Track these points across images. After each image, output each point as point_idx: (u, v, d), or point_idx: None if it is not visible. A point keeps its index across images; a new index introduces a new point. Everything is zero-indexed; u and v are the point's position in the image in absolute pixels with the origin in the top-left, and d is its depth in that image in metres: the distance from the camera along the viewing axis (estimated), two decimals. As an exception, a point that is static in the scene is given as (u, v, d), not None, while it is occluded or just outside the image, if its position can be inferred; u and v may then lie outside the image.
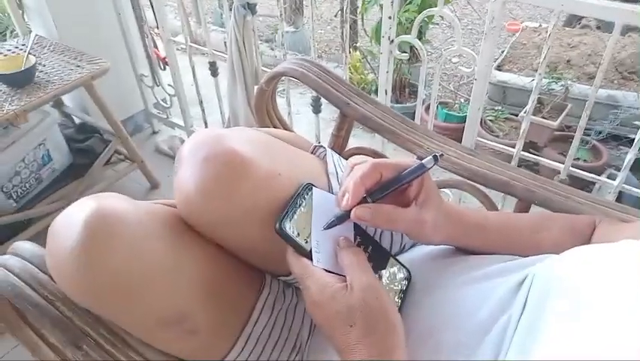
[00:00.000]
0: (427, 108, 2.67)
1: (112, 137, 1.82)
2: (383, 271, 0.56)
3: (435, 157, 0.52)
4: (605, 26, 3.03)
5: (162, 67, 2.02)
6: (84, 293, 0.51)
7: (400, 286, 0.56)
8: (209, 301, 0.57)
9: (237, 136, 0.57)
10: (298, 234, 0.52)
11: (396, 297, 0.55)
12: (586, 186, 2.19)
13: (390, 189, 0.53)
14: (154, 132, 2.28)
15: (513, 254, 0.58)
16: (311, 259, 0.51)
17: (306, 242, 0.52)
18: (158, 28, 1.79)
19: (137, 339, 0.56)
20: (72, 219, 0.51)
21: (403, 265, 0.58)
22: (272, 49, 3.34)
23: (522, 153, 1.31)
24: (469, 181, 0.85)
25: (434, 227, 0.55)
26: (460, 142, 1.40)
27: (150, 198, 1.94)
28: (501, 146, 1.52)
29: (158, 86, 2.06)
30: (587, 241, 0.62)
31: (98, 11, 1.87)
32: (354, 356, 0.45)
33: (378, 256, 0.56)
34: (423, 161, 0.52)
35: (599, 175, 2.28)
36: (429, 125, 1.49)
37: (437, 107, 2.66)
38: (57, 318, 0.54)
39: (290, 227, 0.51)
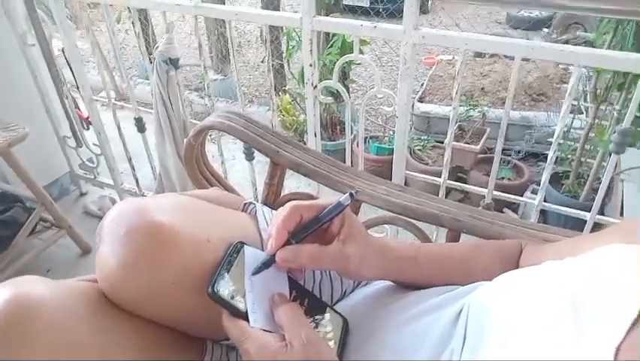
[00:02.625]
0: (358, 143, 2.76)
1: (35, 204, 1.72)
2: (321, 322, 0.55)
3: (351, 194, 0.54)
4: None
5: (86, 126, 1.95)
6: None
7: (338, 334, 0.56)
8: None
9: (160, 205, 0.56)
10: (232, 296, 0.51)
11: (337, 347, 0.55)
12: (512, 204, 2.32)
13: (311, 229, 0.54)
14: (82, 194, 2.18)
15: (448, 284, 0.60)
16: (248, 321, 0.50)
17: (242, 303, 0.51)
18: (77, 87, 1.75)
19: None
20: None
21: (339, 313, 0.58)
22: (202, 97, 3.34)
23: (449, 181, 1.37)
24: (401, 216, 0.88)
25: (361, 261, 0.56)
26: (391, 174, 1.45)
27: (82, 263, 1.84)
28: (429, 177, 1.59)
29: (81, 146, 1.99)
30: (515, 264, 0.64)
31: (13, 74, 1.80)
32: None
33: (315, 308, 0.56)
34: (340, 199, 0.54)
35: (523, 191, 2.44)
36: (359, 160, 1.53)
37: (368, 141, 2.75)
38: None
39: (223, 289, 0.50)
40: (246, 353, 0.48)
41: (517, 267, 0.63)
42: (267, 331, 0.49)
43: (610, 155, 1.09)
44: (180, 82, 1.58)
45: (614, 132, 1.03)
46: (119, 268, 0.51)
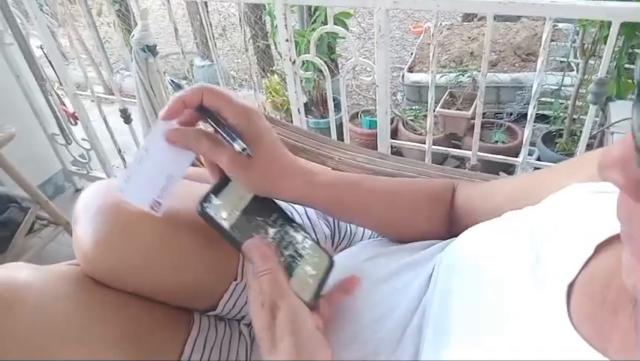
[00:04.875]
0: (352, 118, 2.75)
1: (31, 203, 1.74)
2: (305, 257, 0.54)
3: (244, 149, 0.51)
4: (499, 16, 3.24)
5: (73, 122, 1.96)
6: None
7: (320, 275, 0.54)
8: (130, 351, 0.55)
9: None
10: (223, 216, 0.51)
11: (316, 287, 0.53)
12: (509, 166, 2.32)
13: (211, 117, 0.51)
14: (77, 190, 2.19)
15: (373, 218, 0.61)
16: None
17: (226, 222, 0.50)
18: (60, 84, 1.74)
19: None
20: None
21: (325, 250, 0.56)
22: (189, 85, 3.32)
23: (438, 147, 1.37)
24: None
25: (266, 171, 0.53)
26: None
27: (83, 258, 1.85)
28: (420, 145, 1.59)
29: (71, 143, 1.99)
30: (449, 204, 0.63)
31: (-6, 77, 1.79)
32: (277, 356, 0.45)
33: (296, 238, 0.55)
34: (236, 141, 0.50)
35: (518, 153, 2.44)
36: (345, 133, 1.53)
37: (361, 115, 2.74)
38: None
39: (212, 209, 0.50)
40: (251, 290, 0.49)
41: (451, 205, 0.63)
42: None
43: (604, 116, 1.09)
44: (164, 70, 1.58)
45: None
46: (92, 246, 0.52)
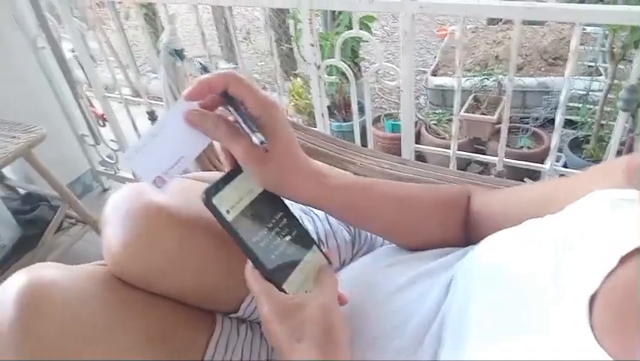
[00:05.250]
0: (375, 122, 2.75)
1: (60, 202, 1.79)
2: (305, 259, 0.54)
3: (262, 142, 0.49)
4: (526, 20, 3.20)
5: (102, 123, 2.01)
6: None
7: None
8: (156, 350, 0.57)
9: None
10: (227, 210, 0.50)
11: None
12: (534, 172, 2.29)
13: (233, 105, 0.50)
14: (104, 190, 2.24)
15: (383, 222, 0.60)
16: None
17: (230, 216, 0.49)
18: (90, 85, 1.79)
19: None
20: (3, 295, 0.50)
21: (324, 254, 0.56)
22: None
23: (462, 152, 1.36)
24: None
25: (282, 169, 0.52)
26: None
27: (109, 257, 1.89)
28: (443, 150, 1.58)
29: (99, 144, 2.04)
30: (464, 209, 0.62)
31: (28, 79, 1.85)
32: None
33: (302, 242, 0.55)
34: (254, 134, 0.49)
35: (544, 159, 2.40)
36: (368, 137, 1.53)
37: (383, 119, 2.73)
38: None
39: (217, 199, 0.49)
40: (260, 305, 0.49)
41: (467, 211, 0.62)
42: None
43: (634, 121, 1.07)
44: (191, 73, 1.61)
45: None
46: (120, 248, 0.54)
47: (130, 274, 0.57)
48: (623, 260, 0.38)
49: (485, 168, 2.50)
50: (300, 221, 0.57)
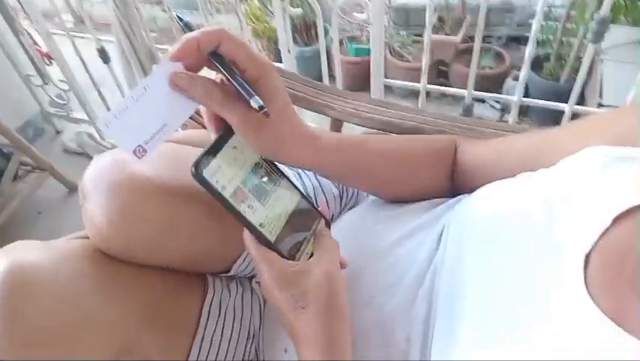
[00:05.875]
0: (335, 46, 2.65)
1: (12, 149, 1.68)
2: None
3: (261, 107, 0.45)
4: None
5: (48, 62, 1.85)
6: (18, 355, 0.49)
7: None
8: (152, 322, 0.57)
9: None
10: (219, 182, 0.46)
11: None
12: (498, 89, 2.30)
13: (225, 67, 0.46)
14: (57, 132, 2.12)
15: (376, 180, 0.60)
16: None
17: (227, 190, 0.46)
18: (31, 21, 1.62)
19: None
20: None
21: (318, 210, 0.55)
22: (164, 10, 3.12)
23: (432, 86, 1.34)
24: (383, 133, 0.87)
25: (277, 133, 0.49)
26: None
27: (72, 201, 1.84)
28: (410, 84, 1.55)
29: (47, 83, 1.90)
30: (452, 161, 0.63)
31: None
32: (301, 336, 0.46)
33: (302, 204, 0.54)
34: (253, 97, 0.45)
35: (505, 78, 2.41)
36: (337, 65, 1.47)
37: (346, 42, 2.64)
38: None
39: (208, 172, 0.46)
40: (260, 273, 0.48)
41: (454, 162, 0.63)
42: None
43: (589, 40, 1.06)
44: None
45: (592, 19, 0.99)
46: (106, 223, 0.52)
47: (117, 249, 0.55)
48: (617, 220, 0.39)
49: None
50: (294, 180, 0.55)
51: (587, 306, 0.37)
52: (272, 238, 0.48)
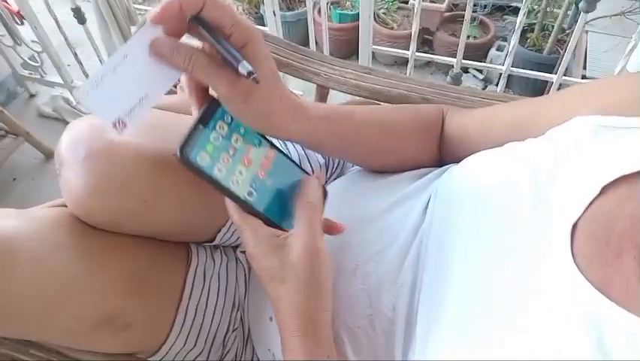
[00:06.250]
0: (320, 11, 2.59)
1: (-16, 113, 1.62)
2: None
3: (251, 73, 0.42)
4: None
5: (19, 22, 1.77)
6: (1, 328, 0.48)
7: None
8: (135, 291, 0.56)
9: None
10: (208, 163, 0.45)
11: None
12: (479, 61, 2.30)
13: (210, 32, 0.43)
14: (32, 96, 2.05)
15: (364, 149, 0.59)
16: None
17: (220, 172, 0.45)
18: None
19: (76, 350, 0.55)
20: None
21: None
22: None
23: (421, 54, 1.32)
24: (370, 100, 0.86)
25: (265, 102, 0.47)
26: (356, 42, 1.39)
27: (48, 168, 1.79)
28: (397, 51, 1.53)
29: (20, 44, 1.82)
30: (439, 131, 0.62)
31: None
32: (280, 309, 0.45)
33: (293, 173, 0.52)
34: (241, 63, 0.42)
35: (489, 48, 2.40)
36: (323, 27, 1.44)
37: (330, 8, 2.58)
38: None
39: (195, 153, 0.43)
40: (244, 240, 0.47)
41: (442, 130, 0.62)
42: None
43: (577, 9, 1.05)
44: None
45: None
46: (86, 193, 0.50)
47: (98, 219, 0.53)
48: (604, 189, 0.39)
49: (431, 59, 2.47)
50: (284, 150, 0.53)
51: (573, 275, 0.37)
52: (261, 206, 0.47)
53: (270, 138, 0.51)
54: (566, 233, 0.39)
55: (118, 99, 0.42)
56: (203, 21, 0.42)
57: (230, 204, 0.47)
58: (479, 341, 0.41)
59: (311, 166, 0.67)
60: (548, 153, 0.45)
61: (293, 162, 0.52)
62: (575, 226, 0.39)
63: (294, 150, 0.67)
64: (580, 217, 0.39)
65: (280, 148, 0.52)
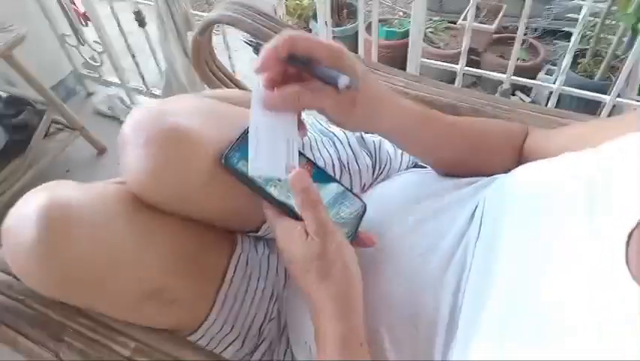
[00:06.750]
0: (368, 28, 2.62)
1: (45, 106, 1.72)
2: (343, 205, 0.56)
3: (349, 86, 0.48)
4: None
5: (84, 23, 1.87)
6: (53, 288, 0.51)
7: (355, 222, 0.56)
8: (181, 269, 0.58)
9: (179, 108, 0.55)
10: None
11: (351, 234, 0.55)
12: (525, 86, 2.26)
13: (305, 64, 0.50)
14: (89, 94, 2.15)
15: (451, 155, 0.62)
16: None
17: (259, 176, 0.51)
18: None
19: (120, 321, 0.57)
20: (24, 214, 0.49)
21: (358, 197, 0.57)
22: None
23: (469, 69, 1.32)
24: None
25: (367, 106, 0.52)
26: (403, 60, 1.40)
27: (100, 163, 1.88)
28: (445, 64, 1.54)
29: (83, 45, 1.92)
30: (520, 143, 0.64)
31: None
32: (312, 298, 0.48)
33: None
34: (340, 78, 0.48)
35: (537, 72, 2.36)
36: (373, 45, 1.46)
37: (378, 25, 2.61)
38: (33, 317, 0.54)
39: (237, 159, 0.52)
40: (275, 236, 0.51)
41: (521, 150, 0.64)
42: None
43: (633, 30, 1.03)
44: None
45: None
46: (145, 176, 0.52)
47: (157, 199, 0.56)
48: None
49: (478, 80, 2.45)
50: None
51: (628, 285, 0.37)
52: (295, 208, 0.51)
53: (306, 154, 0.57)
54: (621, 242, 0.39)
55: (274, 156, 0.50)
56: (296, 57, 0.49)
57: (266, 206, 0.52)
58: (522, 344, 0.40)
59: (358, 167, 0.68)
60: (604, 162, 0.45)
61: (330, 176, 0.57)
62: (630, 235, 0.39)
63: (342, 150, 0.68)
64: (635, 226, 0.38)
65: (316, 162, 0.57)
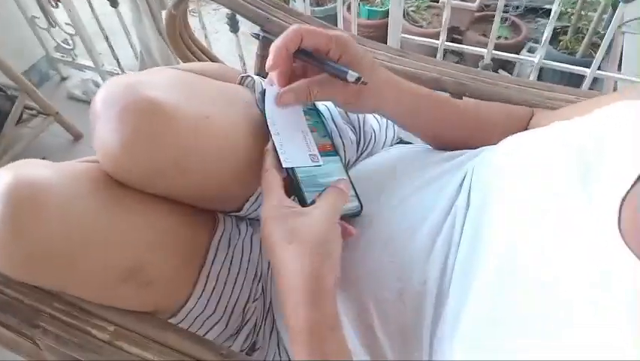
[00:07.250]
0: (349, 7, 2.59)
1: (17, 92, 1.66)
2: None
3: (358, 78, 0.50)
4: None
5: (54, 4, 1.80)
6: (20, 268, 0.49)
7: (344, 213, 0.54)
8: (158, 249, 0.56)
9: (154, 81, 0.52)
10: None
11: None
12: (507, 63, 2.26)
13: (312, 58, 0.52)
14: (63, 79, 2.09)
15: (457, 137, 0.63)
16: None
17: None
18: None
19: (95, 304, 0.55)
20: None
21: (358, 198, 0.56)
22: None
23: (446, 43, 1.31)
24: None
25: (375, 90, 0.55)
26: (386, 39, 1.39)
27: (75, 149, 1.83)
28: (427, 39, 1.52)
29: (54, 27, 1.85)
30: (524, 126, 0.64)
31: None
32: (285, 273, 0.45)
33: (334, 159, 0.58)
34: (348, 74, 0.50)
35: (519, 50, 2.36)
36: (352, 25, 1.44)
37: (359, 4, 2.58)
38: (5, 302, 0.52)
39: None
40: (265, 202, 0.50)
41: (525, 129, 0.63)
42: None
43: (613, 6, 1.02)
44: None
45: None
46: (118, 149, 0.49)
47: (130, 176, 0.53)
48: None
49: (461, 58, 2.45)
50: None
51: (620, 249, 0.37)
52: (300, 175, 0.53)
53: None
54: (614, 207, 0.39)
55: (298, 148, 0.54)
56: (305, 51, 0.52)
57: (267, 168, 0.51)
58: (513, 316, 0.40)
59: (342, 141, 0.66)
60: (595, 128, 0.45)
61: (342, 163, 0.58)
62: (622, 201, 0.39)
63: (331, 124, 0.66)
64: (628, 192, 0.39)
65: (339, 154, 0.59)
